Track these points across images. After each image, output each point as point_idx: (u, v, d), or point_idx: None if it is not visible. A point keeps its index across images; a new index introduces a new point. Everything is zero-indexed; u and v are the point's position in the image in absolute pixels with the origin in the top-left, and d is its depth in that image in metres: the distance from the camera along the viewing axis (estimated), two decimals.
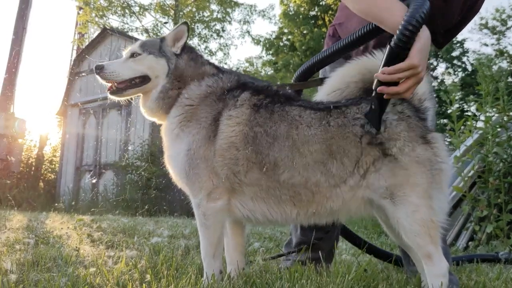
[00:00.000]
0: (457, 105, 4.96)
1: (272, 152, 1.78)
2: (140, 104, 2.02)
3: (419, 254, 1.74)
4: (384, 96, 1.71)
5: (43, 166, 14.62)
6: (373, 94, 1.74)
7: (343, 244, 3.98)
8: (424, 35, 1.68)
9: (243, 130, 1.81)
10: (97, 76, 1.95)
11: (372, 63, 1.85)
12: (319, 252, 2.42)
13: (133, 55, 1.98)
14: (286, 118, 1.82)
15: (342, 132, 1.78)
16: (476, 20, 25.30)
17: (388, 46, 1.68)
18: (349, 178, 1.76)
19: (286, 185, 1.78)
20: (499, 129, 4.67)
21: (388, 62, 1.68)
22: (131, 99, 2.05)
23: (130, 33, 15.70)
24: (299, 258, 2.45)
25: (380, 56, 1.82)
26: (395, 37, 1.66)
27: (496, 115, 4.84)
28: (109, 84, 1.98)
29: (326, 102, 1.92)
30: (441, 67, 24.56)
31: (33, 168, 13.95)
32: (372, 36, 1.91)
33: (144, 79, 1.96)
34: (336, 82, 1.94)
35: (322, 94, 1.99)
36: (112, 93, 1.97)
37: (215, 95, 1.90)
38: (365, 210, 1.85)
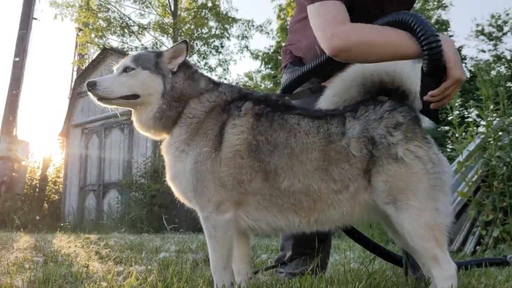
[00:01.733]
0: (457, 112, 4.99)
1: (273, 160, 1.80)
2: (133, 118, 1.96)
3: (425, 257, 1.74)
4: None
5: (47, 187, 14.54)
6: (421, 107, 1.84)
7: (351, 253, 3.97)
8: (450, 45, 1.74)
9: (247, 138, 1.82)
10: (89, 93, 1.89)
11: (373, 66, 1.88)
12: (313, 261, 2.40)
13: (126, 69, 1.90)
14: (285, 127, 1.85)
15: (341, 138, 1.80)
16: (472, 27, 25.51)
17: (422, 71, 1.76)
18: (350, 184, 1.77)
19: (287, 193, 1.79)
20: (500, 133, 4.67)
21: (429, 84, 1.76)
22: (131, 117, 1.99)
23: (130, 52, 15.66)
24: (293, 270, 2.44)
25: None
26: (425, 61, 1.72)
27: (497, 119, 4.85)
28: (100, 103, 1.91)
29: (324, 110, 1.95)
30: None
31: (37, 189, 13.85)
32: None
33: (134, 95, 1.89)
34: (337, 86, 1.96)
35: (324, 99, 2.01)
36: (99, 99, 1.89)
37: (219, 107, 1.91)
38: (368, 216, 1.85)
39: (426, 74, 1.76)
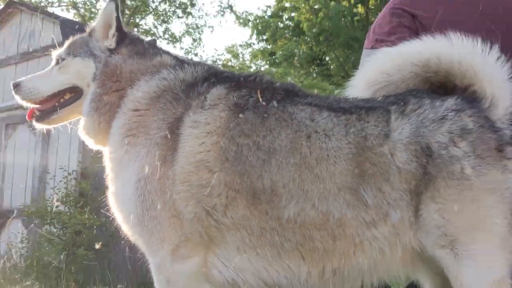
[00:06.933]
0: None
1: (268, 173, 1.43)
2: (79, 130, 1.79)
3: None
4: None
5: None
6: None
7: None
8: None
9: (219, 142, 1.48)
10: (16, 96, 1.82)
11: (447, 46, 1.54)
12: None
13: (58, 61, 1.80)
14: (289, 123, 1.49)
15: (382, 143, 1.43)
16: None
17: None
18: (392, 212, 1.41)
19: (292, 226, 1.43)
20: None
21: None
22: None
23: (51, 9, 12.56)
24: None
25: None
26: None
27: None
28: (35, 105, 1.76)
29: (353, 99, 1.59)
30: None
31: None
32: None
33: (75, 92, 1.76)
34: (385, 61, 1.65)
35: (357, 82, 1.67)
36: (37, 119, 1.78)
37: (171, 92, 1.59)
38: (411, 268, 1.46)
39: None
